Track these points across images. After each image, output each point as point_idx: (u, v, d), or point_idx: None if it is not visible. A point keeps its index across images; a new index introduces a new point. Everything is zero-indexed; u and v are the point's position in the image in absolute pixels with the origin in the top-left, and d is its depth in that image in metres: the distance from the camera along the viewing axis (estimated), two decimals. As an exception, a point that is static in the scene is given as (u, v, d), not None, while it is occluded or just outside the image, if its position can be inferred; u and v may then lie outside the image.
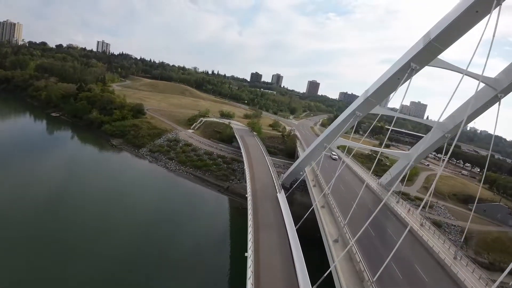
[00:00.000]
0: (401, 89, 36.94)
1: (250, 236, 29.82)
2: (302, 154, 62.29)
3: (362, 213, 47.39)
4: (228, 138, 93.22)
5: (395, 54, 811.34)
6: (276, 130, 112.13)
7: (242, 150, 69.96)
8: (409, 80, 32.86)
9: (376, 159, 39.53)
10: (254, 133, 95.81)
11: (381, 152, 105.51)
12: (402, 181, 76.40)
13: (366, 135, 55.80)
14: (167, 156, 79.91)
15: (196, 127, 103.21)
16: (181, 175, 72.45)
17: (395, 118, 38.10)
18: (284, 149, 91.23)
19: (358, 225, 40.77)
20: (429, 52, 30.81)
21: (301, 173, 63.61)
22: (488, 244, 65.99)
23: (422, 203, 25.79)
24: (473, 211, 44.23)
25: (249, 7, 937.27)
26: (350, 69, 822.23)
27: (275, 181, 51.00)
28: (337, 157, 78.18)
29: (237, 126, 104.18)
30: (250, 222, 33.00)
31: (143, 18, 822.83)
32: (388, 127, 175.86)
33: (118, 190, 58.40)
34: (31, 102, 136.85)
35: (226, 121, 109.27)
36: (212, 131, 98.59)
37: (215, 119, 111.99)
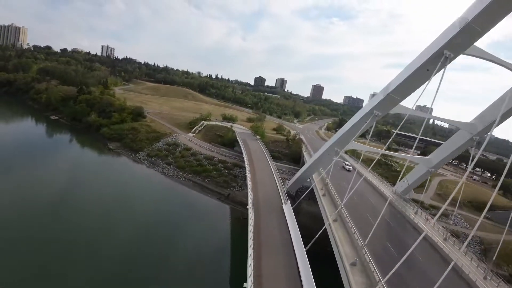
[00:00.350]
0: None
1: (250, 261, 23.97)
2: (309, 160, 56.61)
3: (380, 227, 41.68)
4: (230, 142, 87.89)
5: (399, 58, 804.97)
6: (281, 134, 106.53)
7: (244, 155, 64.49)
8: (442, 71, 27.17)
9: (405, 167, 33.56)
10: (257, 137, 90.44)
11: (389, 156, 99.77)
12: (421, 189, 70.23)
13: (390, 140, 48.84)
14: (165, 161, 74.71)
15: (197, 130, 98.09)
16: (179, 181, 67.03)
17: (425, 120, 32.34)
18: (289, 153, 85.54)
19: (376, 242, 35.13)
20: (466, 36, 25.22)
21: (308, 180, 57.94)
22: (509, 256, 59.71)
23: (475, 232, 19.83)
24: (508, 224, 38.10)
25: (253, 13, 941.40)
26: (354, 73, 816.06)
27: (280, 190, 45.07)
28: (351, 167, 68.73)
29: (240, 129, 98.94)
30: (250, 242, 27.25)
31: (148, 24, 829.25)
32: (394, 130, 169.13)
33: (104, 202, 51.55)
34: (32, 105, 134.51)
35: (228, 124, 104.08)
36: (214, 135, 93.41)
37: (217, 123, 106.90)
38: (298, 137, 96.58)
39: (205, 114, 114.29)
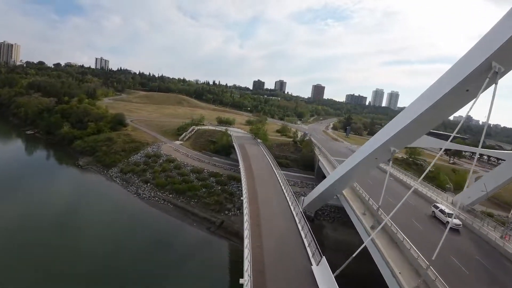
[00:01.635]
0: None
1: None
2: (337, 169, 36.88)
3: (477, 275, 22.45)
4: (225, 149, 68.34)
5: (396, 56, 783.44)
6: (286, 136, 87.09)
7: (241, 166, 45.00)
8: None
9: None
10: (258, 140, 71.14)
11: (416, 155, 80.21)
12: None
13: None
14: (142, 178, 55.42)
15: (186, 137, 78.69)
16: (156, 205, 47.57)
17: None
18: (298, 159, 65.79)
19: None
20: None
21: (336, 197, 38.43)
22: None
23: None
24: None
25: (249, 20, 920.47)
26: (353, 73, 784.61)
27: (302, 233, 23.43)
28: (461, 223, 31.64)
29: (237, 133, 79.69)
30: None
31: (146, 36, 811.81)
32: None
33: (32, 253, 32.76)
34: (12, 120, 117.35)
35: (223, 128, 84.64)
36: (205, 141, 74.08)
37: (210, 127, 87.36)
38: (307, 137, 77.00)
39: (197, 118, 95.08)
